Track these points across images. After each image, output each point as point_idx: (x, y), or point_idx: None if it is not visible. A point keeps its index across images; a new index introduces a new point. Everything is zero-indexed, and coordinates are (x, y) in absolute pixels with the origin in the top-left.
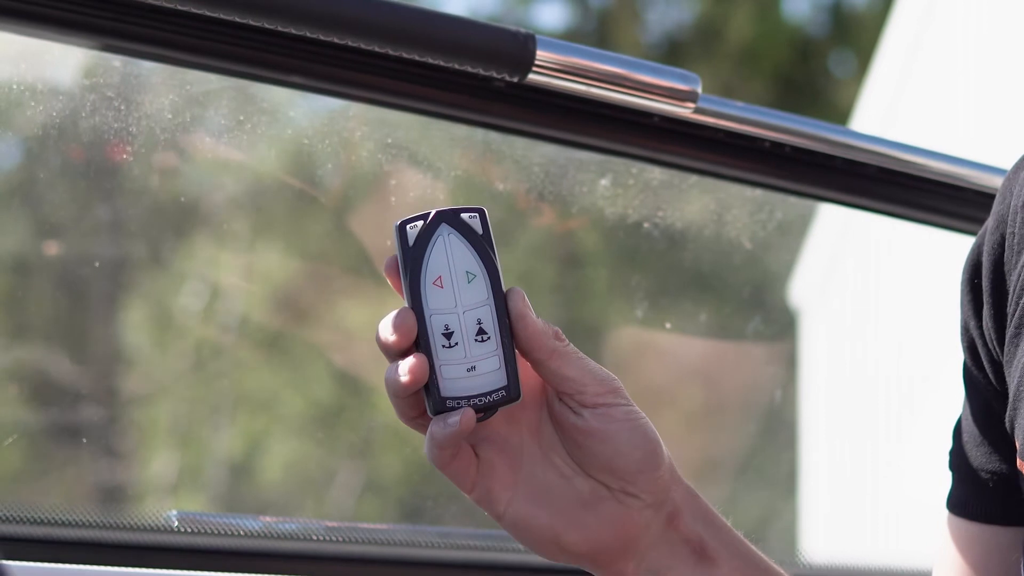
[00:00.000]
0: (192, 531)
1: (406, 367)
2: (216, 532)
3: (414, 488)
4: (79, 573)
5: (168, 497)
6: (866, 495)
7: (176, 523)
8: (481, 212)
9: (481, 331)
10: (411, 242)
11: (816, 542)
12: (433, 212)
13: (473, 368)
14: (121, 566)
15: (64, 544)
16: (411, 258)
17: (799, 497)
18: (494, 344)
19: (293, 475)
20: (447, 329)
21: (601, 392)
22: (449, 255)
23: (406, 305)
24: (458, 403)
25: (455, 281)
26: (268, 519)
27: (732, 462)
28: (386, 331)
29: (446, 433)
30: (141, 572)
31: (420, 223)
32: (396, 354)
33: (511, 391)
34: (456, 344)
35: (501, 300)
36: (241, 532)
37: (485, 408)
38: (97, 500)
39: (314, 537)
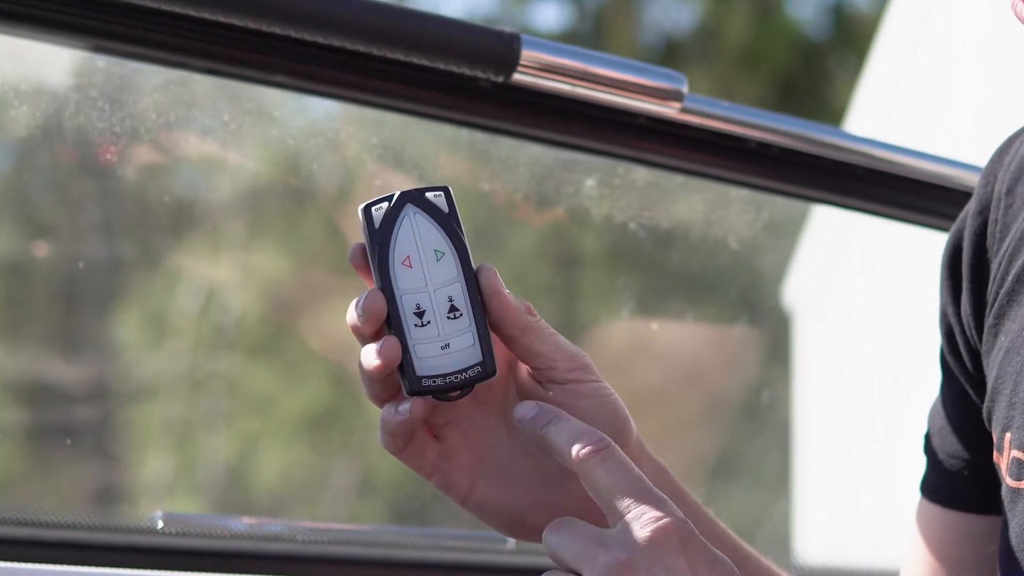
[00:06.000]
0: (177, 532)
1: (378, 349)
2: (201, 533)
3: (409, 490)
4: (63, 574)
5: (163, 500)
6: (860, 496)
7: (161, 524)
8: (446, 190)
9: (453, 308)
10: (377, 224)
11: (810, 544)
12: (397, 193)
13: (447, 345)
14: (105, 567)
15: (48, 545)
16: (378, 240)
17: (793, 498)
18: (467, 320)
19: (287, 478)
20: (418, 308)
21: (571, 368)
22: (416, 234)
23: (375, 287)
24: (434, 381)
25: (424, 260)
26: (253, 520)
27: (726, 464)
28: (355, 314)
29: (397, 420)
30: (125, 573)
31: (385, 204)
32: (367, 336)
33: (487, 367)
34: (429, 323)
35: (471, 277)
36: (226, 533)
37: (462, 385)
38: (91, 503)
39: (299, 538)
